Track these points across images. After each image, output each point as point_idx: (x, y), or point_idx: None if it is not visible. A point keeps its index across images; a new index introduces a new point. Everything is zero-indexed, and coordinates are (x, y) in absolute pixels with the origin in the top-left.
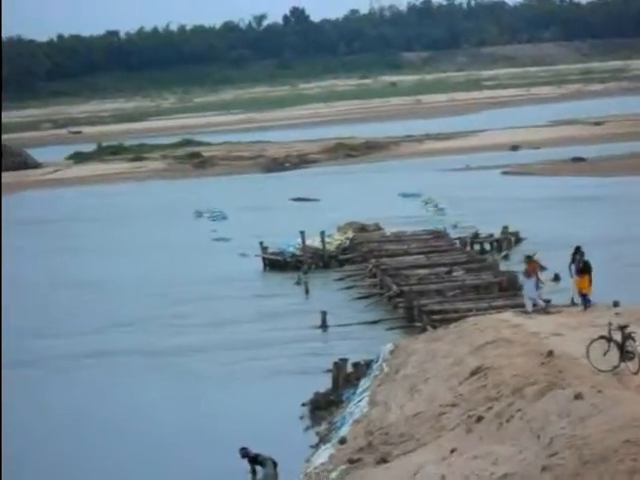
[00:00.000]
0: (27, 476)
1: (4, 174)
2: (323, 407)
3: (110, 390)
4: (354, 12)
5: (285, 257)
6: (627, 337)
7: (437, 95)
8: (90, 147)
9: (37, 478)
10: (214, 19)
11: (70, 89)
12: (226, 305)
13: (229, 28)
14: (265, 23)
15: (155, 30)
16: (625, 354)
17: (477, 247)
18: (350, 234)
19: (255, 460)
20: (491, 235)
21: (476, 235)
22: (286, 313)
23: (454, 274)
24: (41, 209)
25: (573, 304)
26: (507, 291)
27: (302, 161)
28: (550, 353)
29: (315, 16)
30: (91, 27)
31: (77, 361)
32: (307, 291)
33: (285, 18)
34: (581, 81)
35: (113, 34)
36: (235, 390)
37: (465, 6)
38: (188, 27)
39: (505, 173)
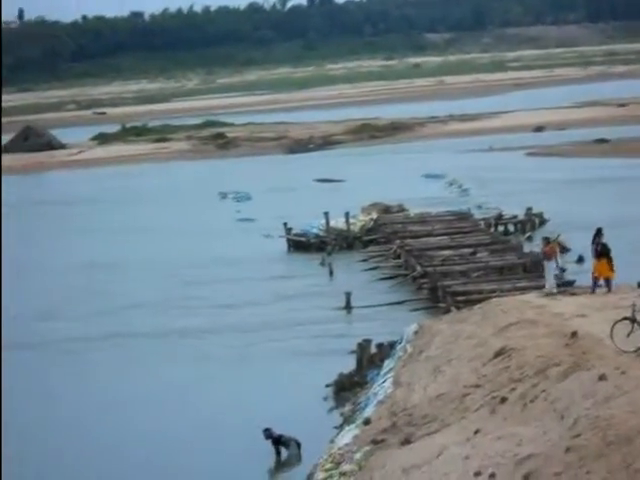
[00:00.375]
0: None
1: (29, 155)
2: (347, 388)
3: (125, 373)
4: None
5: (309, 238)
6: None
7: (461, 76)
8: (114, 128)
9: (49, 459)
10: (238, 0)
11: (94, 70)
12: (250, 286)
13: (253, 9)
14: (289, 4)
15: (179, 11)
16: None
17: (501, 228)
18: (374, 215)
19: (279, 441)
20: (515, 216)
21: (500, 216)
22: (310, 294)
23: (478, 255)
24: (65, 190)
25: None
26: (531, 272)
27: (326, 142)
28: (574, 334)
29: None
30: (115, 8)
31: (89, 343)
32: (331, 272)
33: None
34: (605, 63)
35: (137, 15)
36: (258, 371)
37: None
38: (212, 8)
39: (529, 154)
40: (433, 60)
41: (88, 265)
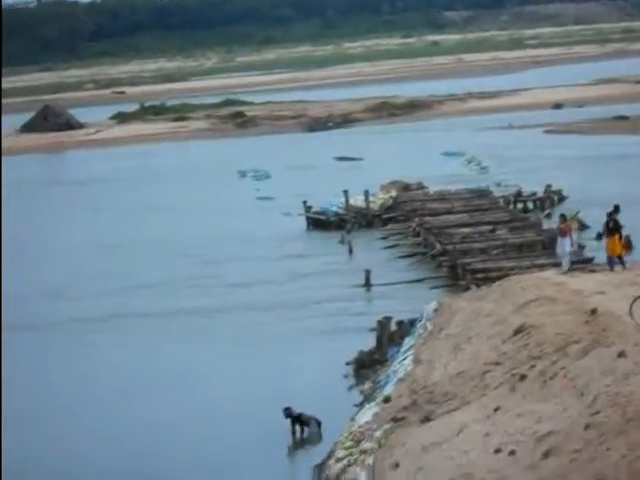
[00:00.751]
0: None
1: (48, 134)
2: (367, 366)
3: (137, 352)
4: None
5: (329, 216)
6: None
7: (480, 54)
8: (133, 107)
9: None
10: None
11: (113, 50)
12: (269, 264)
13: None
14: None
15: None
16: None
17: (520, 206)
18: (394, 193)
19: (298, 419)
20: (534, 193)
21: (519, 193)
22: (329, 272)
23: (497, 232)
24: (83, 169)
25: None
26: (550, 249)
27: (345, 120)
28: (594, 311)
29: None
30: None
31: (99, 323)
32: (351, 250)
33: None
34: (624, 40)
35: None
36: (278, 350)
37: None
38: None
39: (548, 131)
40: (451, 38)
41: (104, 244)
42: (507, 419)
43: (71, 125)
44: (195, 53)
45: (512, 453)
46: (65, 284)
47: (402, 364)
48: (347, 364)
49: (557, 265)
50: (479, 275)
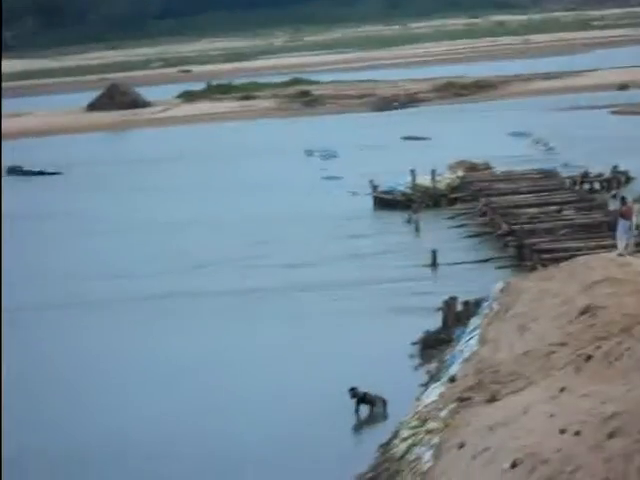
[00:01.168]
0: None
1: (115, 113)
2: (433, 345)
3: (198, 331)
4: None
5: (395, 196)
6: None
7: (545, 35)
8: (200, 86)
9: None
10: None
11: (181, 28)
12: (335, 243)
13: None
14: None
15: None
16: None
17: (587, 186)
18: (460, 173)
19: (364, 399)
20: (601, 174)
21: (586, 174)
22: (396, 252)
23: (564, 213)
24: (149, 148)
25: None
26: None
27: (412, 100)
28: None
29: None
30: None
31: (153, 301)
32: (417, 229)
33: None
34: None
35: None
36: (344, 329)
37: None
38: None
39: (614, 112)
40: (517, 19)
41: (166, 223)
42: (572, 400)
43: (137, 104)
44: (263, 32)
45: (577, 433)
46: (122, 263)
47: (468, 344)
48: (413, 344)
49: None
50: (545, 255)
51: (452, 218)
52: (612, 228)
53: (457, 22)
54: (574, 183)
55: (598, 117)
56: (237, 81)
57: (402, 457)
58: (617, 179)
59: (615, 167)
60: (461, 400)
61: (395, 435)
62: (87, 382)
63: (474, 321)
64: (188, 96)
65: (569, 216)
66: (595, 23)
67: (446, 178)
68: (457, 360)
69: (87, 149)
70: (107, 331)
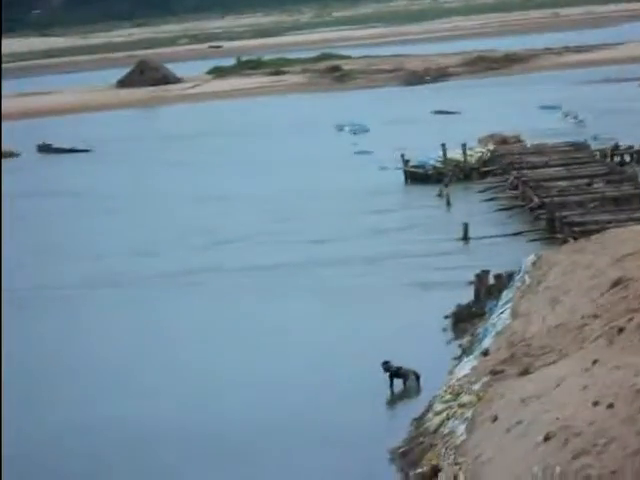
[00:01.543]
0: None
1: (145, 89)
2: (465, 319)
3: (224, 307)
4: None
5: (426, 170)
6: None
7: (575, 8)
8: (229, 62)
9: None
10: None
11: (205, 5)
12: (366, 218)
13: None
14: None
15: None
16: None
17: (617, 159)
18: (491, 146)
19: (397, 373)
20: (631, 147)
21: (616, 147)
22: (427, 225)
23: (594, 186)
24: (180, 123)
25: None
26: None
27: (442, 74)
28: None
29: None
30: None
31: (180, 278)
32: (449, 203)
33: None
34: None
35: None
36: (376, 303)
37: None
38: None
39: None
40: None
41: (195, 199)
42: (605, 372)
43: (168, 80)
44: (291, 8)
45: (610, 406)
46: (147, 240)
47: (500, 317)
48: (445, 317)
49: None
50: (576, 228)
51: (483, 192)
52: None
53: None
54: (604, 156)
55: (628, 90)
56: (266, 57)
57: (436, 431)
58: None
59: None
60: (494, 373)
61: (428, 409)
62: (118, 360)
63: (506, 294)
64: (218, 72)
65: (599, 189)
66: None
67: (477, 152)
68: (489, 333)
69: (117, 126)
70: (132, 308)
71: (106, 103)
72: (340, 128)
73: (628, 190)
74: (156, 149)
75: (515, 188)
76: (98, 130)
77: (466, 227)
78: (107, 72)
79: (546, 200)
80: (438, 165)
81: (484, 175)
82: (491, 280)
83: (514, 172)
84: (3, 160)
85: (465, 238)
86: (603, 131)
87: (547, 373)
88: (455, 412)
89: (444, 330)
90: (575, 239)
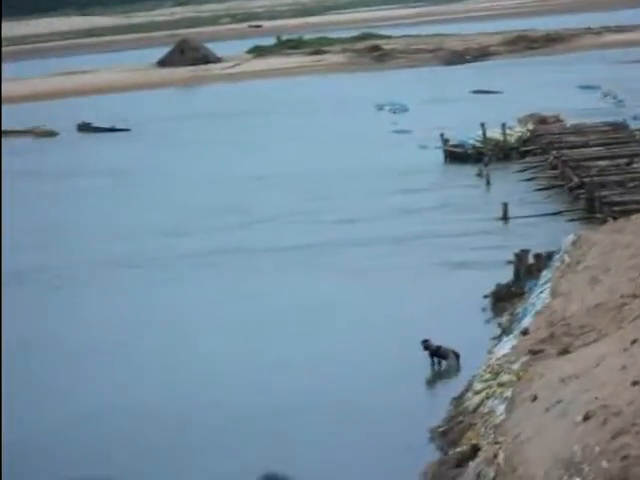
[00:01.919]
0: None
1: (185, 69)
2: (505, 299)
3: (254, 286)
4: None
5: (466, 149)
6: None
7: None
8: (270, 41)
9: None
10: None
11: None
12: (406, 197)
13: None
14: None
15: None
16: None
17: None
18: (530, 126)
19: (437, 352)
20: None
21: None
22: (467, 205)
23: (634, 165)
24: (220, 103)
25: None
26: None
27: (482, 53)
28: None
29: None
30: None
31: (209, 258)
32: (488, 183)
33: None
34: None
35: None
36: (415, 282)
37: None
38: None
39: None
40: None
41: (231, 177)
42: None
43: (208, 59)
44: None
45: None
46: (185, 219)
47: (540, 297)
48: (485, 297)
49: None
50: (616, 208)
51: (522, 171)
52: None
53: None
54: None
55: None
56: (307, 36)
57: (475, 410)
58: None
59: None
60: (533, 353)
61: (468, 388)
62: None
63: (545, 274)
64: (259, 51)
65: (639, 169)
66: None
67: (516, 131)
68: (529, 313)
69: (157, 105)
70: (162, 288)
71: (146, 82)
72: (380, 107)
73: None
74: (196, 128)
75: (554, 168)
76: (138, 109)
77: (505, 207)
78: (148, 51)
79: (585, 180)
80: (478, 144)
81: (523, 155)
82: (531, 260)
83: (553, 152)
84: (42, 140)
85: (505, 218)
86: None
87: (586, 353)
88: (494, 391)
89: (483, 309)
90: (614, 219)
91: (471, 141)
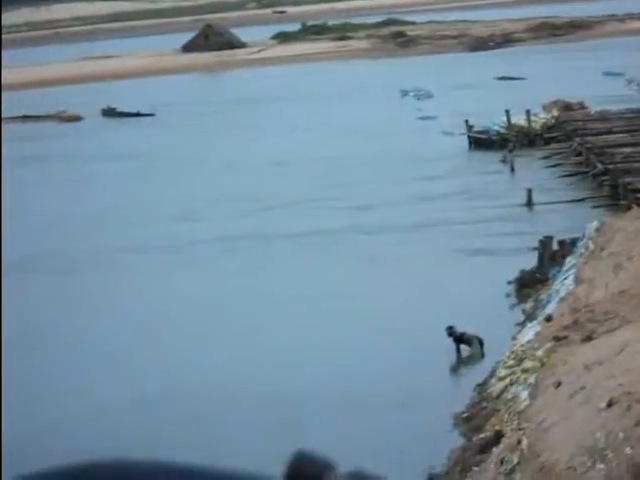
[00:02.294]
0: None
1: (209, 54)
2: (529, 285)
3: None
4: None
5: (490, 135)
6: None
7: None
8: (294, 27)
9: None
10: None
11: None
12: (430, 183)
13: None
14: None
15: None
16: None
17: None
18: (555, 112)
19: (461, 338)
20: None
21: None
22: (492, 191)
23: None
24: (244, 89)
25: None
26: None
27: (506, 40)
28: None
29: None
30: None
31: (221, 244)
32: (512, 169)
33: None
34: None
35: None
36: (439, 269)
37: None
38: None
39: None
40: None
41: (251, 164)
42: None
43: (233, 44)
44: None
45: None
46: (203, 205)
47: (564, 283)
48: (509, 283)
49: None
50: None
51: (547, 158)
52: None
53: None
54: None
55: None
56: (331, 22)
57: (499, 396)
58: None
59: None
60: (557, 339)
61: (492, 374)
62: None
63: (569, 260)
64: (283, 37)
65: None
66: None
67: (541, 118)
68: (553, 299)
69: (182, 90)
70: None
71: (171, 68)
72: (404, 93)
73: None
74: (220, 114)
75: (579, 154)
76: (162, 94)
77: (530, 193)
78: (172, 36)
79: (610, 166)
80: (502, 131)
81: (548, 141)
82: (555, 246)
83: (578, 138)
84: (66, 124)
85: (529, 204)
86: None
87: (610, 339)
88: (518, 378)
89: (507, 296)
90: (639, 205)
91: (495, 127)
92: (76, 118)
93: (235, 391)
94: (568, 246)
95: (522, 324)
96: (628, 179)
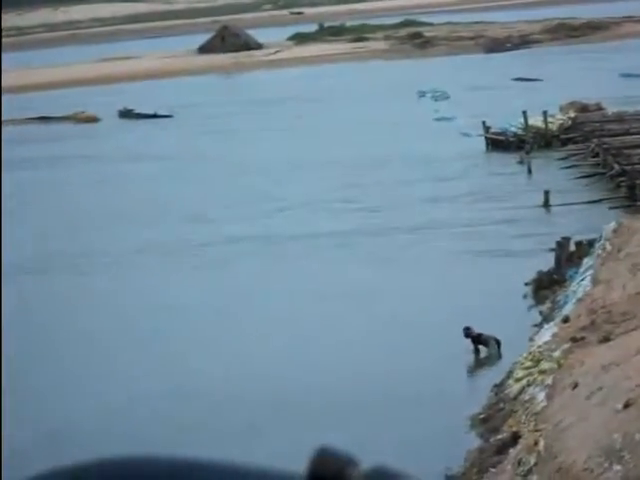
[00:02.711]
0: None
1: (226, 55)
2: (546, 286)
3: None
4: None
5: (508, 136)
6: None
7: None
8: (311, 28)
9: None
10: None
11: None
12: (448, 184)
13: None
14: None
15: None
16: None
17: None
18: (572, 114)
19: (478, 339)
20: None
21: None
22: (509, 192)
23: None
24: (261, 90)
25: None
26: None
27: (523, 41)
28: None
29: None
30: None
31: (230, 246)
32: (529, 170)
33: None
34: None
35: None
36: (457, 269)
37: None
38: None
39: None
40: None
41: (267, 165)
42: None
43: (249, 46)
44: None
45: None
46: (218, 205)
47: (581, 284)
48: (526, 284)
49: None
50: None
51: (564, 159)
52: None
53: None
54: None
55: None
56: (348, 23)
57: (516, 397)
58: None
59: None
60: (574, 340)
61: (509, 375)
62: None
63: (587, 261)
64: (300, 38)
65: None
66: None
67: (558, 119)
68: (570, 300)
69: (198, 92)
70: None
71: (187, 69)
72: (421, 94)
73: None
74: (237, 115)
75: (596, 156)
76: (179, 96)
77: (547, 194)
78: (189, 38)
79: (627, 168)
80: (519, 132)
81: (565, 142)
82: (572, 247)
83: (595, 140)
84: (84, 125)
85: (546, 205)
86: None
87: (627, 340)
88: (535, 379)
89: (525, 297)
90: None
91: (513, 129)
92: (93, 119)
93: (236, 391)
94: (585, 247)
95: (539, 325)
96: None
